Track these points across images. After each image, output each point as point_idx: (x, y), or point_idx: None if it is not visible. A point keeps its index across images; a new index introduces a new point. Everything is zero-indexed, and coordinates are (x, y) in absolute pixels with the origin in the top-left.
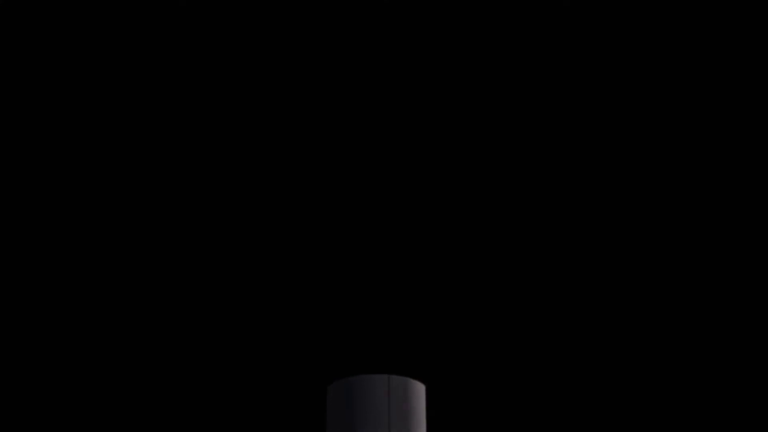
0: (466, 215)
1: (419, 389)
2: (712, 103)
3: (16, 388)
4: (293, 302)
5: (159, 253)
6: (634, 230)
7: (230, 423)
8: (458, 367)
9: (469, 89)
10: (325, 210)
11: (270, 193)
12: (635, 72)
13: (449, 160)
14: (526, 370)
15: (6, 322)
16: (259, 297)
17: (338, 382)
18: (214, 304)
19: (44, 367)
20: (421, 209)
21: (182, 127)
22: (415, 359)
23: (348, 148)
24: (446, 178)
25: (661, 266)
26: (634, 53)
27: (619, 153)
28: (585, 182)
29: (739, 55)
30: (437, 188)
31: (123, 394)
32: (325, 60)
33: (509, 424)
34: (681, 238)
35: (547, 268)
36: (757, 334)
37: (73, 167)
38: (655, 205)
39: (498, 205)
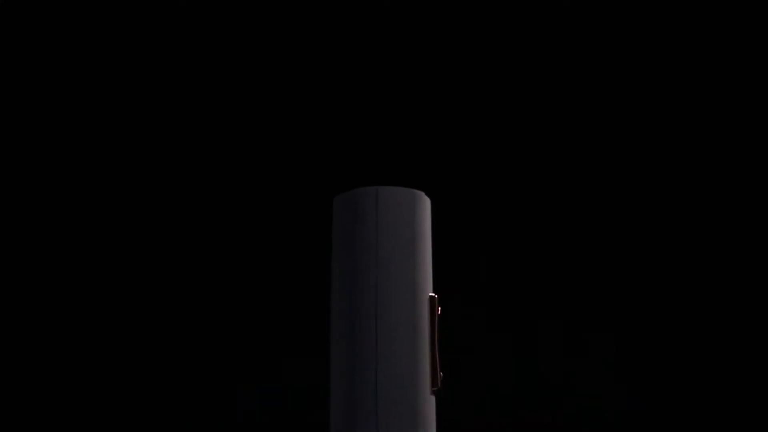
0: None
1: (424, 201)
2: (746, 81)
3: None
4: (299, 113)
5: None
6: None
7: (236, 238)
8: (465, 182)
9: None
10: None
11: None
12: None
13: None
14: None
15: None
16: (262, 107)
17: (342, 194)
18: (217, 117)
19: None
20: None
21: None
22: (424, 173)
23: None
24: None
25: None
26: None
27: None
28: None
29: (740, 55)
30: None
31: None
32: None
33: (514, 240)
34: None
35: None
36: None
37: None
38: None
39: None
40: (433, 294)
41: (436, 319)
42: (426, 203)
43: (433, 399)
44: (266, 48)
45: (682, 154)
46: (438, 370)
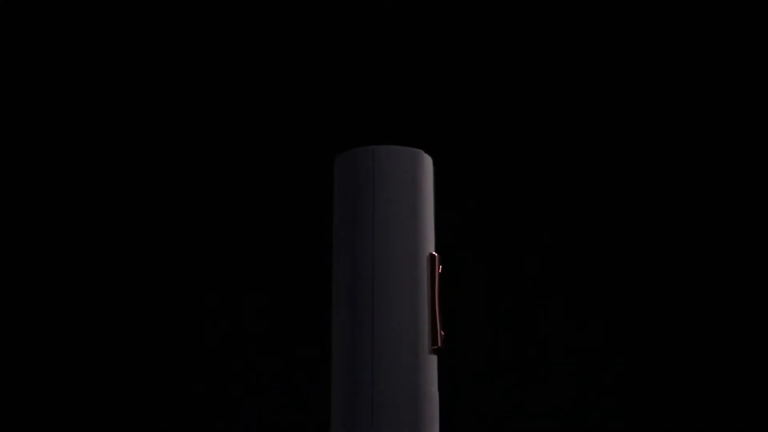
0: None
1: (425, 160)
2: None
3: None
4: (303, 72)
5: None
6: None
7: (238, 196)
8: (471, 144)
9: None
10: None
11: None
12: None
13: None
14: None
15: None
16: (263, 65)
17: (344, 153)
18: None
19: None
20: None
21: None
22: (430, 135)
23: None
24: None
25: None
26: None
27: None
28: None
29: (741, 55)
30: None
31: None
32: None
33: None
34: None
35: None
36: None
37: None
38: None
39: None
40: (434, 253)
41: (437, 277)
42: (427, 162)
43: (434, 358)
44: (265, 7)
45: (684, 137)
46: (439, 329)
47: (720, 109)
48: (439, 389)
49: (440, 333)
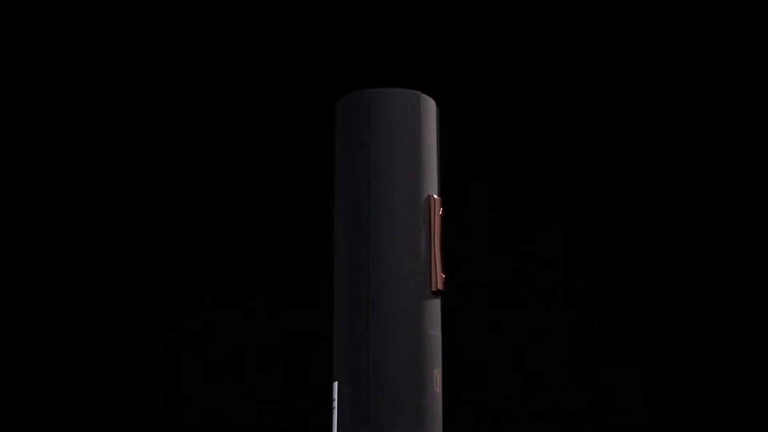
0: None
1: (427, 103)
2: None
3: None
4: (308, 14)
5: None
6: None
7: (239, 139)
8: (478, 89)
9: None
10: None
11: None
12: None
13: None
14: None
15: None
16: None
17: (344, 97)
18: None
19: None
20: None
21: None
22: (438, 80)
23: None
24: None
25: None
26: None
27: None
28: None
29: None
30: None
31: None
32: None
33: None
34: None
35: None
36: None
37: None
38: None
39: None
40: (433, 195)
41: (435, 219)
42: (429, 105)
43: (435, 301)
44: None
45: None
46: (438, 270)
47: (741, 89)
48: (444, 330)
49: (440, 275)
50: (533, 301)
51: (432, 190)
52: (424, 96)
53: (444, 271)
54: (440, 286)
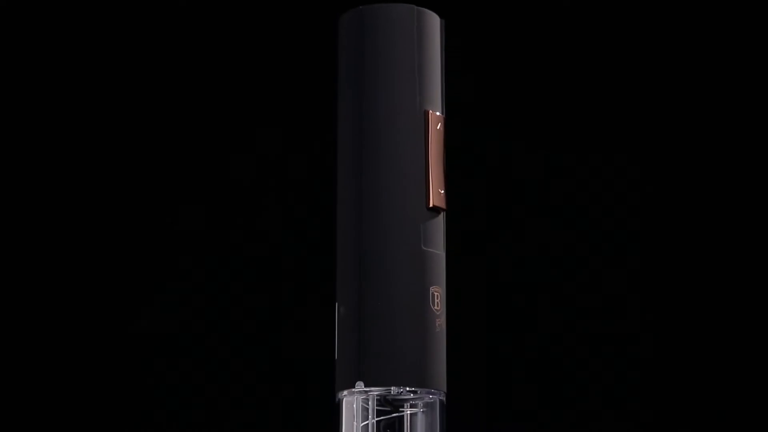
0: None
1: (430, 19)
2: None
3: None
4: None
5: None
6: None
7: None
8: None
9: None
10: None
11: None
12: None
13: None
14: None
15: None
16: None
17: (349, 11)
18: None
19: None
20: None
21: None
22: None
23: None
24: None
25: None
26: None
27: None
28: None
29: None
30: None
31: None
32: None
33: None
34: None
35: None
36: None
37: None
38: None
39: None
40: (431, 111)
41: (431, 134)
42: (433, 20)
43: (435, 219)
44: None
45: None
46: (435, 187)
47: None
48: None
49: (438, 192)
50: (537, 227)
51: (431, 105)
52: (426, 11)
53: (443, 187)
54: (437, 203)
